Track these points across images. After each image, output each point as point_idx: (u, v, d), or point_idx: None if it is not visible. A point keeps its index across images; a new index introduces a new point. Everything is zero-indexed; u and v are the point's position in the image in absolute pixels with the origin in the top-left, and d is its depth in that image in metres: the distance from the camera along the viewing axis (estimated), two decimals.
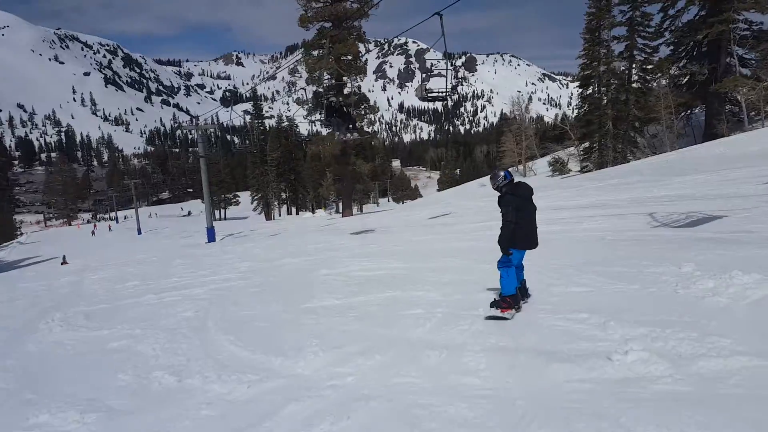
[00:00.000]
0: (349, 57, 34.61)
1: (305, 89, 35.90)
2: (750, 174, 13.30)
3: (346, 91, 34.84)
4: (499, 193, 4.96)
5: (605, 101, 34.34)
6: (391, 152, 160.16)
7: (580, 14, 36.94)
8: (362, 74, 36.37)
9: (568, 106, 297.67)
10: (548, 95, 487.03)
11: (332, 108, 14.68)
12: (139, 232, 46.68)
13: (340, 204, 51.43)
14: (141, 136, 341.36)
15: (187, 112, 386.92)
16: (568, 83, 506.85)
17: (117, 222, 79.54)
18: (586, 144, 36.90)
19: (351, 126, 14.54)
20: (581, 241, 8.72)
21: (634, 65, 34.03)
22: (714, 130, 30.74)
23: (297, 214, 72.40)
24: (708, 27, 30.09)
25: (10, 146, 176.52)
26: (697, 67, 32.18)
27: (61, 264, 19.21)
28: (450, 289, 6.50)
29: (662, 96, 32.20)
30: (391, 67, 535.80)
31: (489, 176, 5.29)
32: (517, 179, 5.13)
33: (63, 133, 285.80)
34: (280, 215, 74.56)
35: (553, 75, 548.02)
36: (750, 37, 30.10)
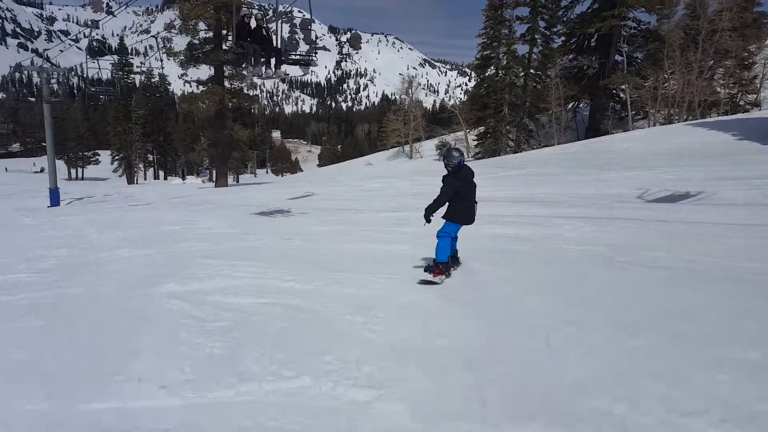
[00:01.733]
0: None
1: (166, 36, 30.45)
2: (703, 174, 11.68)
3: (225, 47, 29.72)
4: (446, 171, 5.19)
5: (503, 85, 33.23)
6: (271, 122, 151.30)
7: (464, 5, 35.60)
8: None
9: (445, 93, 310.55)
10: (428, 81, 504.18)
11: (246, 30, 9.68)
12: None
13: (215, 172, 46.15)
14: None
15: (48, 59, 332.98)
16: (446, 71, 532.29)
17: None
18: (481, 129, 35.72)
19: (282, 59, 10.18)
20: (579, 261, 5.54)
21: (535, 50, 33.29)
22: (599, 125, 31.30)
23: (165, 179, 67.25)
24: (601, 21, 30.20)
25: None
26: (588, 61, 32.49)
27: None
28: (420, 375, 2.84)
29: (554, 86, 31.96)
30: (274, 34, 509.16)
31: (445, 150, 5.96)
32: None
33: None
34: (145, 179, 68.31)
35: (433, 61, 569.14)
36: (638, 35, 30.91)
